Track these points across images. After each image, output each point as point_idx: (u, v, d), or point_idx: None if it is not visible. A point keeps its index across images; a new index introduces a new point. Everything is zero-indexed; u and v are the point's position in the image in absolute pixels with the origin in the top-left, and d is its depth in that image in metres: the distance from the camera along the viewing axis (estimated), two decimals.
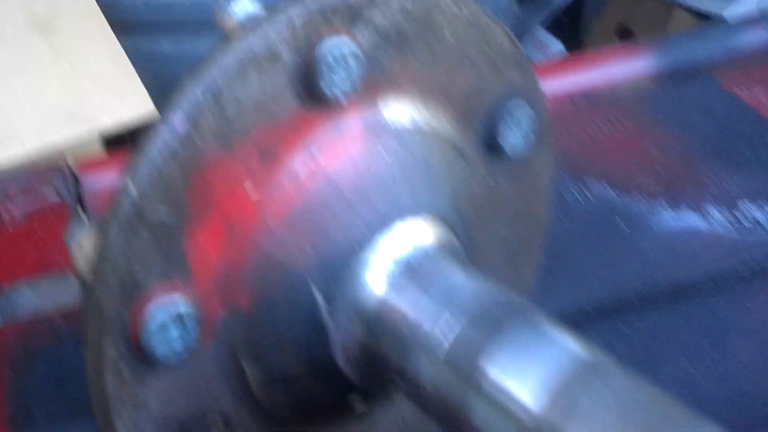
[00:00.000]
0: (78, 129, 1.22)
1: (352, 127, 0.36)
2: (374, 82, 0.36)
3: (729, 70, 0.79)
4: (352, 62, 0.34)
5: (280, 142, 0.34)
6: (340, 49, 0.34)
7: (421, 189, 0.37)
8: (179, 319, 0.32)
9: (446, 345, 0.33)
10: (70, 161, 0.71)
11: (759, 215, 0.62)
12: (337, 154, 0.35)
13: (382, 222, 0.36)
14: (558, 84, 0.80)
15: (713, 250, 0.59)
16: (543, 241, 0.48)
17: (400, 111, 0.37)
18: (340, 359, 0.36)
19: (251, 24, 0.33)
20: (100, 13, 1.32)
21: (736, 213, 0.62)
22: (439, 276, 0.35)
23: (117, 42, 1.30)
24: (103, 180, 0.65)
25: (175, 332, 0.32)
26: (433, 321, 0.33)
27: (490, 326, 0.32)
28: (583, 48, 2.25)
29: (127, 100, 1.25)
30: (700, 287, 0.57)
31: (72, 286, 0.55)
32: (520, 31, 1.83)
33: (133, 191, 0.31)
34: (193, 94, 0.31)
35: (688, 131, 0.71)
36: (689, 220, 0.62)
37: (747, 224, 0.61)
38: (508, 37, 0.41)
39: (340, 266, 0.35)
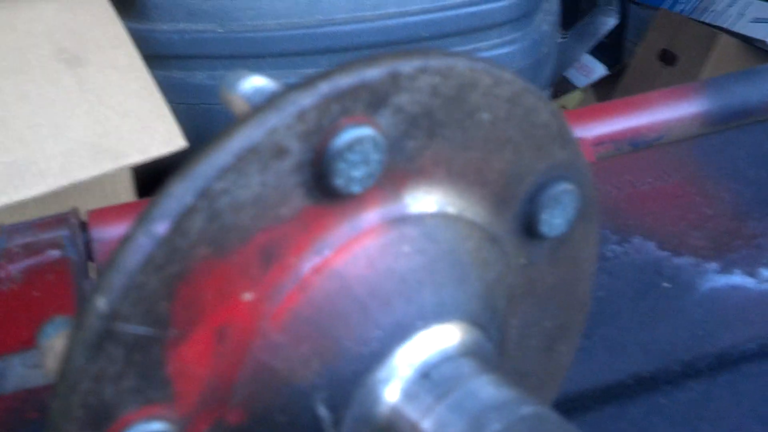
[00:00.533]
0: (104, 165, 1.19)
1: (371, 222, 0.31)
2: (398, 171, 0.32)
3: None
4: (372, 152, 0.30)
5: (287, 243, 0.30)
6: (360, 139, 0.29)
7: (449, 289, 0.33)
8: None
9: None
10: (81, 212, 0.68)
11: None
12: (352, 252, 0.31)
13: (402, 330, 0.31)
14: (601, 127, 0.75)
15: (764, 312, 0.54)
16: (583, 324, 0.43)
17: (428, 199, 0.33)
18: None
19: (254, 111, 0.28)
20: (132, 45, 1.30)
21: None
22: (459, 385, 0.31)
23: (148, 75, 1.27)
24: (112, 231, 0.62)
25: None
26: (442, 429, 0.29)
27: None
28: (626, 71, 2.20)
29: (157, 135, 1.23)
30: (749, 355, 0.52)
31: None
32: (565, 62, 1.79)
33: (101, 306, 0.27)
34: (180, 197, 0.27)
35: (738, 180, 0.66)
36: (740, 282, 0.57)
37: None
38: (553, 113, 0.36)
39: (350, 380, 0.31)
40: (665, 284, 0.58)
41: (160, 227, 0.27)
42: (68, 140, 1.21)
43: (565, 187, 0.37)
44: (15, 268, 0.59)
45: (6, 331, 0.53)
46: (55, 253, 0.60)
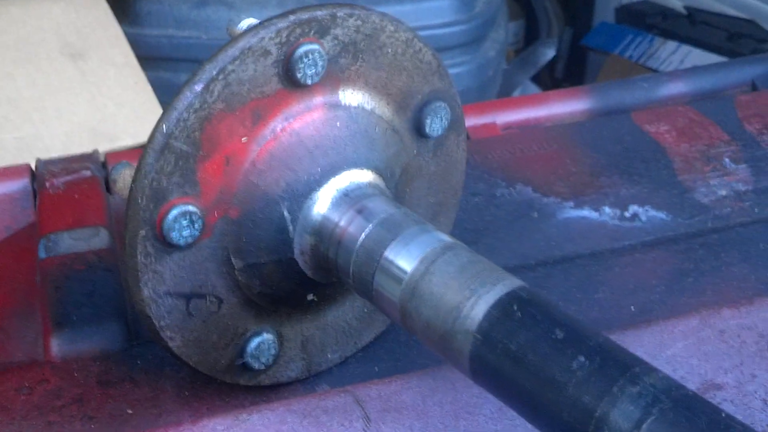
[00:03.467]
0: (101, 146, 1.39)
1: (317, 104, 0.53)
2: (335, 75, 0.54)
3: (643, 110, 0.98)
4: (319, 60, 0.52)
5: (267, 109, 0.52)
6: (310, 49, 0.51)
7: (364, 150, 0.55)
8: (188, 215, 0.50)
9: (360, 240, 0.50)
10: (100, 154, 0.89)
11: (639, 211, 0.79)
12: (305, 121, 0.53)
13: (333, 169, 0.53)
14: (510, 115, 0.99)
15: (600, 234, 0.77)
16: (457, 205, 0.65)
17: (353, 97, 0.55)
18: (299, 258, 0.53)
19: (251, 29, 0.50)
20: (128, 46, 1.51)
21: (624, 211, 0.80)
22: (364, 199, 0.53)
23: (142, 73, 1.48)
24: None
25: (184, 224, 0.50)
26: (351, 223, 0.51)
27: (390, 227, 0.50)
28: None
29: (147, 124, 1.43)
30: (582, 256, 0.74)
31: (101, 236, 0.72)
32: (510, 86, 2.03)
33: (164, 128, 0.49)
34: (208, 70, 0.49)
35: (599, 152, 0.89)
36: (586, 213, 0.80)
37: (630, 217, 0.79)
38: (434, 55, 0.59)
39: (301, 194, 0.53)
40: (534, 214, 0.80)
41: (197, 87, 0.49)
42: (70, 123, 1.41)
43: (441, 104, 0.59)
44: (58, 181, 0.80)
45: (59, 218, 0.74)
46: (86, 173, 0.81)
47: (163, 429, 0.53)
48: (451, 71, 1.59)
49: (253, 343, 0.56)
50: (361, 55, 0.54)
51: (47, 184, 0.79)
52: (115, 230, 0.74)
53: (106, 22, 1.56)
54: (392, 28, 0.55)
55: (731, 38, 2.38)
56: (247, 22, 0.54)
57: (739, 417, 0.40)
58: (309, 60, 0.51)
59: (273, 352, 0.57)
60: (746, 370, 0.58)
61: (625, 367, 0.41)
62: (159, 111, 1.46)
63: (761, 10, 2.37)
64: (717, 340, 0.60)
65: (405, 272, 0.48)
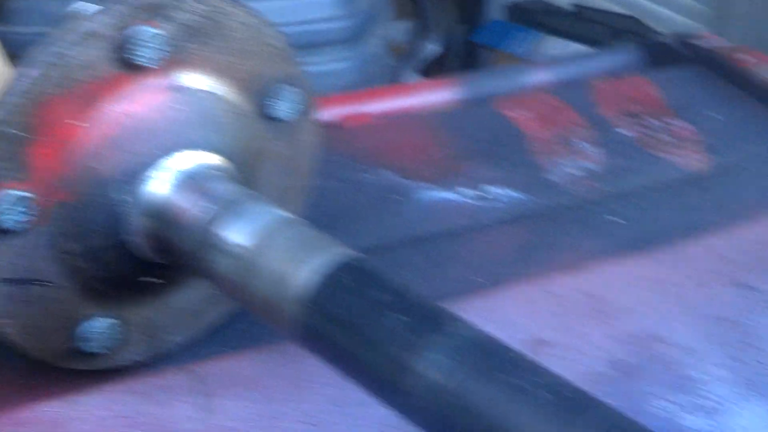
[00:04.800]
0: None
1: (156, 87, 0.55)
2: (177, 59, 0.55)
3: (507, 97, 1.02)
4: (158, 44, 0.53)
5: (102, 93, 0.53)
6: (145, 32, 0.53)
7: (207, 133, 0.56)
8: (21, 201, 0.50)
9: (201, 223, 0.52)
10: None
11: (495, 191, 0.83)
12: (143, 103, 0.54)
13: (171, 148, 0.55)
14: (381, 105, 1.02)
15: (456, 213, 0.80)
16: (307, 189, 0.67)
17: (197, 80, 0.56)
18: (138, 241, 0.55)
19: (91, 13, 0.51)
20: None
21: (480, 191, 0.83)
22: (205, 181, 0.54)
23: (12, 69, 1.44)
24: None
25: (18, 210, 0.50)
26: (194, 205, 0.52)
27: (230, 207, 0.52)
28: None
29: None
30: (440, 235, 0.77)
31: None
32: (395, 78, 2.07)
33: None
34: (42, 54, 0.50)
35: (462, 137, 0.93)
36: (446, 195, 0.83)
37: (487, 196, 0.83)
38: (283, 41, 0.61)
39: (139, 177, 0.54)
40: (394, 196, 0.83)
41: (31, 71, 0.50)
42: None
43: (291, 89, 0.61)
44: None
45: None
46: None
47: None
48: (334, 67, 1.62)
49: (93, 327, 0.57)
50: (206, 40, 0.56)
51: None
52: None
53: None
54: (240, 13, 0.57)
55: (615, 34, 2.48)
56: (83, 5, 0.55)
57: (563, 370, 0.42)
58: (148, 43, 0.52)
59: (114, 336, 0.58)
60: (575, 327, 0.61)
61: (435, 321, 0.43)
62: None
63: (645, 8, 2.47)
64: (548, 302, 0.64)
65: (242, 247, 0.50)
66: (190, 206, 0.53)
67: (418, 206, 0.82)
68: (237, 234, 0.50)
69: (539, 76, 1.09)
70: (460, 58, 2.60)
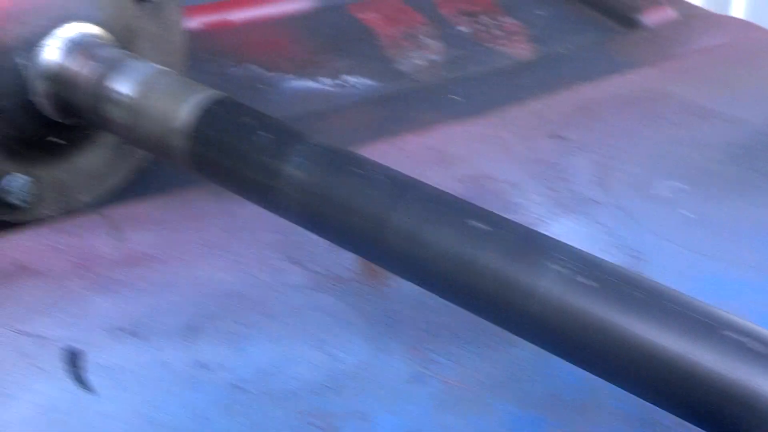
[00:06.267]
0: None
1: None
2: None
3: (358, 3, 1.13)
4: None
5: None
6: None
7: (90, 8, 0.65)
8: None
9: (93, 80, 0.60)
10: None
11: (351, 80, 0.94)
12: None
13: (60, 19, 0.63)
14: (244, 13, 1.10)
15: (318, 98, 0.91)
16: (183, 64, 0.76)
17: None
18: (41, 101, 0.63)
19: None
20: None
21: (338, 80, 0.94)
22: (93, 48, 0.63)
23: None
24: None
25: None
26: (84, 67, 0.61)
27: (116, 65, 0.60)
28: None
29: None
30: (305, 115, 0.88)
31: None
32: None
33: None
34: None
35: (319, 37, 1.03)
36: (307, 83, 0.93)
37: (345, 84, 0.93)
38: None
39: (33, 44, 0.62)
40: (261, 86, 0.93)
41: None
42: None
43: None
44: None
45: None
46: None
47: None
48: None
49: (10, 182, 0.64)
50: None
51: None
52: None
53: None
54: None
55: None
56: None
57: None
58: None
59: (29, 190, 0.65)
60: (422, 172, 0.73)
61: (295, 136, 0.54)
62: None
63: None
64: (399, 155, 0.76)
65: (127, 96, 0.59)
66: (81, 68, 0.62)
67: (282, 93, 0.92)
68: (124, 85, 0.59)
69: None
70: None
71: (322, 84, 0.95)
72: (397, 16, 1.09)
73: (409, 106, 0.91)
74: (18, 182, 0.65)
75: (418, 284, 0.50)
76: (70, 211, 0.70)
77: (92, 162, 0.70)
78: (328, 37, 1.04)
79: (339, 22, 1.08)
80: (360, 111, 0.90)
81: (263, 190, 0.54)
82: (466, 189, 0.73)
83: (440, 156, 0.78)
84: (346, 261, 0.62)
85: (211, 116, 0.56)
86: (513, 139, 0.81)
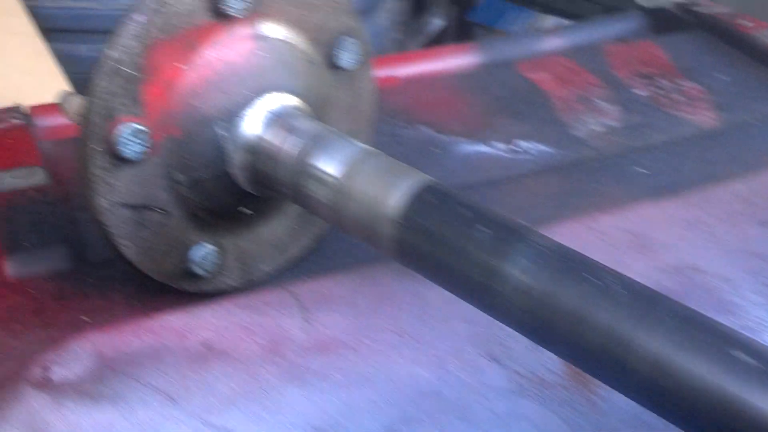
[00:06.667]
0: None
1: (244, 35, 0.61)
2: (259, 11, 0.61)
3: (526, 60, 1.09)
4: None
5: (200, 39, 0.59)
6: None
7: (287, 77, 0.62)
8: (137, 133, 0.56)
9: (294, 156, 0.58)
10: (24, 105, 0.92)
11: (525, 144, 0.90)
12: (234, 50, 0.60)
13: (261, 91, 0.61)
14: (408, 69, 1.08)
15: (492, 164, 0.87)
16: (370, 135, 0.73)
17: (275, 30, 0.62)
18: (237, 173, 0.61)
19: None
20: (26, 16, 1.52)
21: (511, 144, 0.90)
22: (293, 119, 0.60)
23: (42, 42, 1.49)
24: (47, 120, 0.88)
25: (134, 141, 0.56)
26: (285, 140, 0.59)
27: (319, 141, 0.58)
28: None
29: (52, 91, 1.45)
30: (479, 183, 0.84)
31: (38, 174, 0.77)
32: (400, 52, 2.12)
33: (112, 54, 0.55)
34: (149, 3, 0.56)
35: (489, 96, 0.99)
36: (481, 148, 0.90)
37: (517, 149, 0.89)
38: None
39: (235, 115, 0.60)
40: (433, 149, 0.90)
41: (140, 17, 0.55)
42: None
43: (353, 40, 0.67)
44: None
45: None
46: (16, 121, 0.86)
47: (121, 323, 0.59)
48: None
49: (197, 252, 0.63)
50: None
51: None
52: (49, 171, 0.78)
53: None
54: None
55: (608, 12, 2.55)
56: None
57: None
58: None
59: (214, 261, 0.64)
60: (620, 259, 0.68)
61: (516, 232, 0.50)
62: (61, 79, 1.48)
63: None
64: (593, 238, 0.71)
65: (333, 177, 0.56)
66: (281, 141, 0.59)
67: (456, 158, 0.88)
68: (329, 164, 0.57)
69: (553, 42, 1.16)
70: (455, 37, 2.66)
71: (495, 149, 0.90)
72: (569, 76, 1.05)
73: (591, 177, 0.86)
74: (203, 252, 0.63)
75: (660, 414, 0.44)
76: (251, 281, 0.68)
77: (276, 231, 0.68)
78: (498, 98, 1.00)
79: (508, 80, 1.04)
80: (538, 181, 0.86)
81: (479, 290, 0.50)
82: (672, 282, 0.67)
83: (637, 240, 0.72)
84: (548, 361, 0.58)
85: (422, 204, 0.53)
86: (719, 225, 0.75)
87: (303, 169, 0.58)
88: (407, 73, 1.07)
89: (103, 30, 1.75)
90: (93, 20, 1.64)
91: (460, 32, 2.65)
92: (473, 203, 0.53)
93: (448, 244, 0.51)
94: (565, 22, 2.55)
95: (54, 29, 1.66)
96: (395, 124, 0.93)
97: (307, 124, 0.60)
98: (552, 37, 1.16)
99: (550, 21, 2.60)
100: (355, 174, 0.56)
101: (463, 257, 0.50)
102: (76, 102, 0.60)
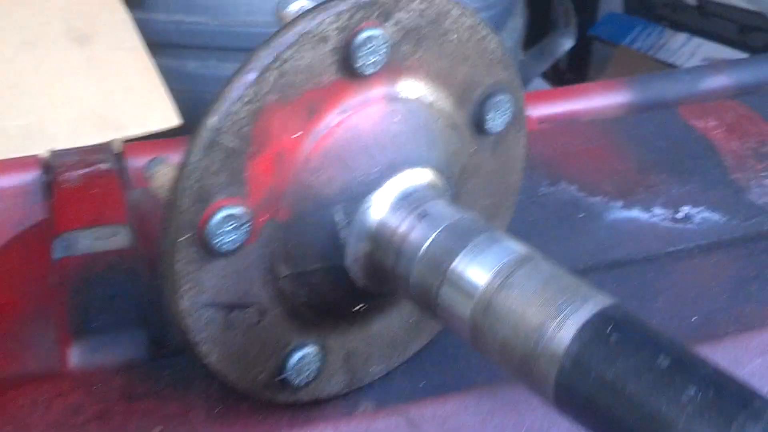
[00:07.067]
0: (107, 134, 1.33)
1: (376, 96, 0.48)
2: (395, 65, 0.48)
3: (689, 104, 0.93)
4: (381, 47, 0.47)
5: (323, 102, 0.47)
6: (374, 36, 0.46)
7: (424, 147, 0.50)
8: (235, 219, 0.44)
9: (423, 248, 0.45)
10: (116, 144, 0.83)
11: (691, 212, 0.75)
12: (363, 115, 0.48)
13: (392, 168, 0.48)
14: (546, 108, 0.94)
15: (651, 236, 0.72)
16: (513, 206, 0.60)
17: (413, 88, 0.50)
18: (351, 266, 0.48)
19: (308, 11, 0.45)
20: (135, 30, 1.45)
21: (675, 212, 0.75)
22: (425, 203, 0.47)
23: (149, 58, 1.42)
24: (142, 160, 0.78)
25: (230, 228, 0.44)
26: (412, 230, 0.46)
27: (457, 234, 0.45)
28: None
29: (155, 112, 1.37)
30: (636, 261, 0.69)
31: (121, 234, 0.67)
32: (526, 77, 1.97)
33: (212, 122, 0.43)
34: (263, 57, 0.44)
35: (646, 148, 0.84)
36: (636, 214, 0.75)
37: (683, 218, 0.74)
38: (499, 43, 0.53)
39: (357, 196, 0.47)
40: (581, 214, 0.75)
41: (250, 75, 0.43)
42: (76, 110, 1.35)
43: (504, 97, 0.54)
44: (74, 174, 0.74)
45: (75, 215, 0.68)
46: (103, 166, 0.76)
47: None
48: None
49: (295, 357, 0.51)
50: (424, 42, 0.49)
51: (62, 178, 0.74)
52: (136, 228, 0.68)
53: (113, 6, 1.50)
54: (457, 13, 0.49)
55: (742, 31, 2.34)
56: (298, 4, 0.49)
57: None
58: (370, 47, 0.46)
59: (315, 366, 0.52)
60: None
61: (743, 401, 0.36)
62: (167, 98, 1.40)
63: None
64: None
65: (477, 286, 0.43)
66: (408, 228, 0.47)
67: (606, 226, 0.74)
68: (474, 271, 0.44)
69: (717, 80, 0.99)
70: (574, 53, 2.49)
71: (656, 217, 0.75)
72: (742, 125, 0.88)
73: None
74: (302, 355, 0.51)
75: None
76: (356, 385, 0.55)
77: (391, 326, 0.55)
78: (657, 150, 0.84)
79: (667, 128, 0.88)
80: (711, 262, 0.70)
81: None
82: None
83: None
84: None
85: (597, 338, 0.39)
86: None
87: (435, 270, 0.45)
88: (545, 114, 0.93)
89: (215, 47, 1.67)
90: (205, 36, 1.56)
91: (580, 48, 2.48)
92: (670, 344, 0.39)
93: (636, 405, 0.37)
94: (695, 39, 2.35)
95: (165, 44, 1.59)
96: (536, 180, 0.80)
97: (444, 210, 0.47)
98: (716, 74, 1.00)
99: (679, 38, 2.40)
100: (509, 287, 0.42)
101: (657, 427, 0.37)
102: (165, 173, 0.48)
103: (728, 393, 0.36)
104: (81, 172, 0.74)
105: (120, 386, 0.56)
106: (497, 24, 1.54)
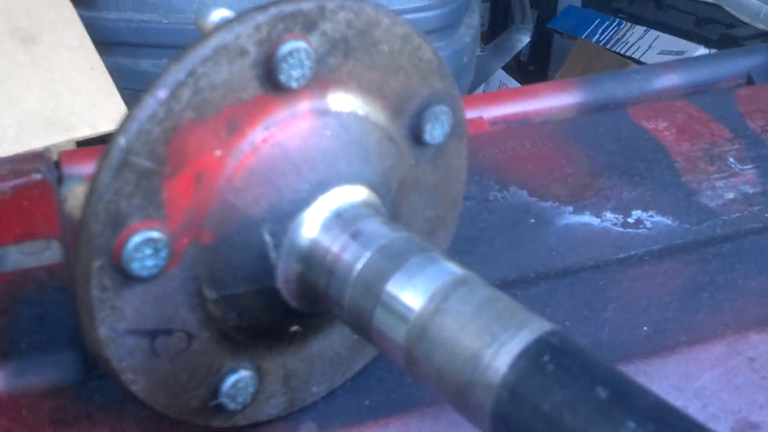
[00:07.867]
0: (56, 137, 1.30)
1: (303, 111, 0.46)
2: (323, 77, 0.46)
3: (640, 105, 0.92)
4: (305, 60, 0.44)
5: (245, 118, 0.44)
6: (297, 49, 0.44)
7: (357, 163, 0.47)
8: (152, 243, 0.42)
9: (357, 269, 0.43)
10: (53, 152, 0.80)
11: (642, 216, 0.74)
12: (290, 130, 0.45)
13: (322, 185, 0.46)
14: (498, 110, 0.92)
15: (603, 242, 0.70)
16: (457, 219, 0.58)
17: (344, 101, 0.48)
18: (282, 288, 0.46)
19: (225, 24, 0.43)
20: (82, 28, 1.41)
21: (626, 216, 0.74)
22: (359, 221, 0.45)
23: (98, 57, 1.38)
24: (79, 168, 0.75)
25: (147, 253, 0.42)
26: (345, 250, 0.44)
27: (392, 254, 0.43)
28: None
29: (106, 112, 1.34)
30: (587, 269, 0.68)
31: (53, 249, 0.64)
32: (484, 73, 1.97)
33: (122, 142, 0.41)
34: (174, 73, 0.41)
35: (596, 151, 0.83)
36: (587, 219, 0.73)
37: (633, 222, 0.73)
38: (434, 53, 0.51)
39: (286, 215, 0.45)
40: (531, 220, 0.74)
41: (162, 93, 0.41)
42: (23, 112, 1.31)
43: (442, 108, 0.52)
44: (5, 186, 0.71)
45: (5, 229, 0.65)
46: (36, 176, 0.73)
47: None
48: None
49: (229, 381, 0.49)
50: (353, 54, 0.47)
51: None
52: (69, 242, 0.65)
53: (59, 4, 1.46)
54: (388, 22, 0.47)
55: (699, 23, 2.36)
56: (219, 14, 0.46)
57: None
58: (294, 60, 0.43)
59: (251, 389, 0.50)
60: None
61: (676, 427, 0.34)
62: (117, 98, 1.37)
63: None
64: (747, 370, 0.55)
65: (411, 310, 0.41)
66: (340, 248, 0.45)
67: (557, 232, 0.72)
68: (408, 294, 0.42)
69: (668, 79, 0.98)
70: (533, 46, 2.49)
71: (607, 221, 0.74)
72: (693, 126, 0.87)
73: (729, 266, 0.69)
74: (237, 379, 0.49)
75: None
76: (297, 406, 0.53)
77: (331, 345, 0.53)
78: (608, 153, 0.83)
79: (618, 130, 0.87)
80: (662, 269, 0.69)
81: None
82: None
83: None
84: None
85: (532, 368, 0.38)
86: None
87: (369, 293, 0.43)
88: (496, 115, 0.92)
89: (167, 45, 1.64)
90: (157, 34, 1.53)
91: (537, 42, 2.48)
92: (610, 373, 0.37)
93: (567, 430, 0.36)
94: (653, 32, 2.36)
95: (115, 43, 1.56)
96: (485, 185, 0.78)
97: (378, 229, 0.45)
98: (667, 73, 0.99)
99: (637, 31, 2.40)
100: (443, 312, 0.40)
101: None
102: (81, 192, 0.46)
103: (669, 427, 0.35)
104: (12, 183, 0.71)
105: (49, 410, 0.54)
106: (453, 20, 1.52)
